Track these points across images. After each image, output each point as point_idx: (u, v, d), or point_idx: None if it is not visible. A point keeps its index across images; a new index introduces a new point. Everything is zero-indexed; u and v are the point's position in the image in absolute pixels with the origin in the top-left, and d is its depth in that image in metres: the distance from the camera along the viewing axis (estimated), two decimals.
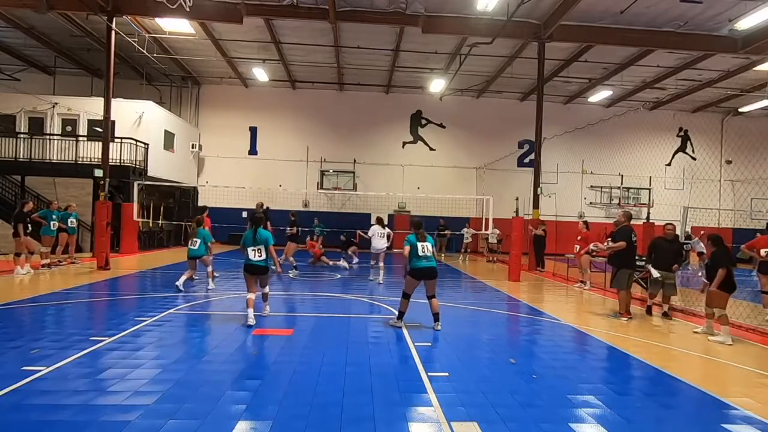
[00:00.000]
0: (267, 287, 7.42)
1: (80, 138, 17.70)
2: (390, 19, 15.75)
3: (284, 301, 9.18)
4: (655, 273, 8.58)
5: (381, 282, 11.83)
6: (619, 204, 24.35)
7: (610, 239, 8.96)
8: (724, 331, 6.88)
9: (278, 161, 24.21)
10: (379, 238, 11.80)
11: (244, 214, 22.17)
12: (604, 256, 10.34)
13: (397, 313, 7.14)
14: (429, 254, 6.81)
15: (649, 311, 8.87)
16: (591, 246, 11.37)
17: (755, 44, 15.62)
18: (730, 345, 6.68)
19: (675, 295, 8.74)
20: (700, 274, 7.92)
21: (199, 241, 9.40)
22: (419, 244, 6.77)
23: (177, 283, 9.32)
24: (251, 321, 6.78)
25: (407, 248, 6.80)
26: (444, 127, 24.87)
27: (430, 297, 6.95)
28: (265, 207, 13.08)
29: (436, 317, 6.94)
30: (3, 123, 18.48)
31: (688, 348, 6.56)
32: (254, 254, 6.94)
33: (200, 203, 23.50)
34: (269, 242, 7.05)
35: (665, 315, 8.54)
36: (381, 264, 12.03)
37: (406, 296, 6.97)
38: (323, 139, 24.42)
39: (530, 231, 15.92)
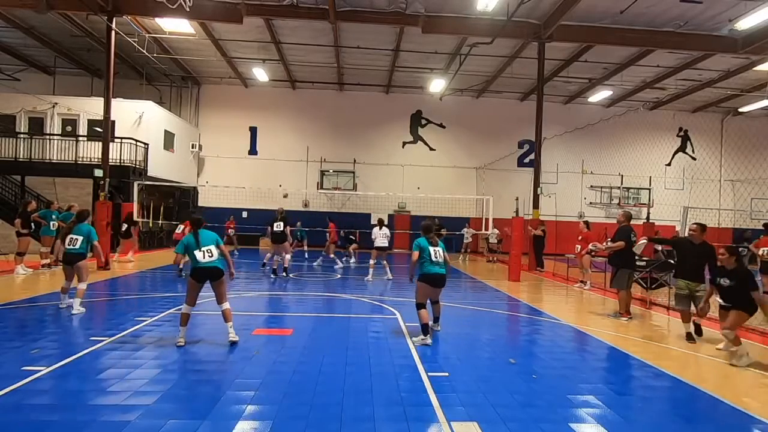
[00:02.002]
0: (226, 302, 5.97)
1: (80, 138, 17.72)
2: (390, 19, 15.75)
3: (284, 301, 9.18)
4: (639, 249, 7.93)
5: (390, 278, 12.61)
6: (619, 204, 24.35)
7: (610, 239, 8.94)
8: (741, 350, 5.77)
9: (278, 161, 24.21)
10: (381, 237, 12.83)
11: (245, 214, 22.21)
12: (603, 256, 10.28)
13: (420, 327, 6.24)
14: (441, 260, 6.34)
15: (699, 331, 7.03)
16: (590, 246, 11.38)
17: (755, 44, 15.63)
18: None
19: (708, 311, 6.83)
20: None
21: (80, 239, 7.32)
22: (431, 249, 6.30)
23: (74, 309, 7.19)
24: (181, 341, 5.68)
25: (416, 253, 6.30)
26: (444, 127, 24.87)
27: (434, 302, 6.66)
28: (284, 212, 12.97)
29: (435, 319, 6.74)
30: (3, 123, 18.49)
31: (688, 348, 6.56)
32: (203, 255, 5.74)
33: (200, 203, 23.54)
34: (219, 241, 6.01)
35: (698, 330, 6.96)
36: (384, 262, 12.83)
37: (421, 307, 6.28)
38: (323, 139, 24.43)
39: (529, 231, 15.91)
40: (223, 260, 5.95)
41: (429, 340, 6.14)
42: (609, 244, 8.71)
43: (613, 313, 8.64)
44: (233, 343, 5.81)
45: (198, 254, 5.75)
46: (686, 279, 7.00)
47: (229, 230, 19.73)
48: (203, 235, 5.88)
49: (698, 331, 7.03)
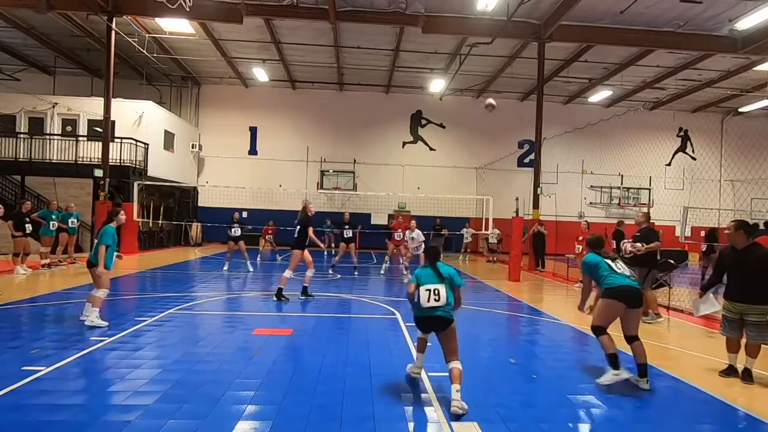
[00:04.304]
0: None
1: (80, 138, 17.71)
2: (390, 19, 15.75)
3: (284, 301, 9.16)
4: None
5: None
6: (619, 204, 24.37)
7: (629, 240, 8.65)
8: None
9: (278, 161, 24.21)
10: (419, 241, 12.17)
11: (245, 214, 22.20)
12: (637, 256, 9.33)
13: (607, 361, 4.72)
14: (628, 273, 4.90)
15: (732, 371, 5.24)
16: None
17: (755, 44, 15.62)
18: None
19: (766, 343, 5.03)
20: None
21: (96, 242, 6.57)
22: (609, 263, 4.92)
23: (87, 321, 6.40)
24: (415, 372, 4.83)
25: (588, 277, 5.10)
26: (444, 127, 24.87)
27: (631, 338, 4.80)
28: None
29: (642, 370, 4.70)
30: (3, 123, 18.49)
31: (688, 348, 6.55)
32: (428, 297, 4.36)
33: (200, 203, 23.55)
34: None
35: (746, 374, 5.07)
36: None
37: (601, 331, 4.79)
38: (323, 139, 24.43)
39: (535, 228, 15.87)
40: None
41: (621, 373, 4.69)
42: (628, 245, 8.45)
43: (648, 316, 8.19)
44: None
45: (423, 294, 4.33)
46: (732, 299, 5.10)
47: (267, 235, 19.64)
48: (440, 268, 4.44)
49: (746, 374, 5.07)
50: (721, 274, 5.36)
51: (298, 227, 8.94)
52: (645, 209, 21.46)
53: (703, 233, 14.71)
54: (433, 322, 4.33)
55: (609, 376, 4.64)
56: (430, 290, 4.28)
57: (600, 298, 4.92)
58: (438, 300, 4.26)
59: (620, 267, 4.91)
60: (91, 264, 6.49)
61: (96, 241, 6.55)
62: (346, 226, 13.50)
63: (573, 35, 16.25)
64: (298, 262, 8.96)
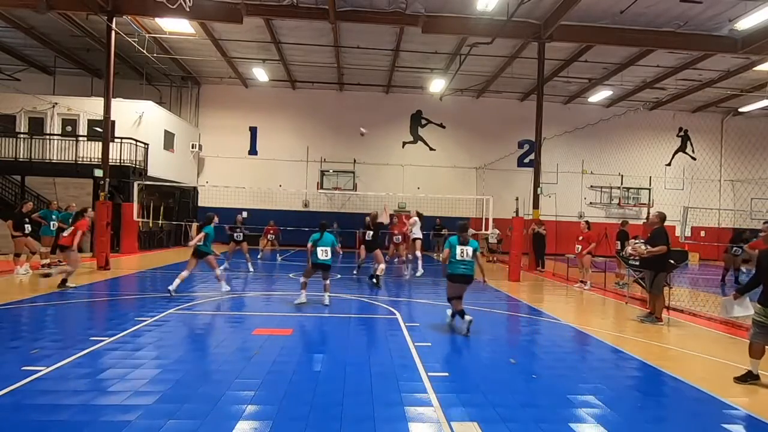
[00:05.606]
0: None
1: (80, 138, 17.71)
2: (390, 19, 15.74)
3: (284, 301, 9.17)
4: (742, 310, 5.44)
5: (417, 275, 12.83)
6: (619, 204, 24.37)
7: (641, 241, 8.54)
8: None
9: (278, 161, 24.21)
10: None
11: (245, 214, 22.19)
12: (639, 258, 8.84)
13: (451, 313, 7.20)
14: (468, 259, 6.75)
15: (750, 376, 5.08)
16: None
17: (755, 44, 15.61)
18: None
19: None
20: None
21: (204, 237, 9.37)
22: (458, 248, 6.74)
23: (224, 289, 9.52)
24: (302, 300, 8.54)
25: (447, 251, 6.83)
26: (444, 127, 24.87)
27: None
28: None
29: (460, 314, 6.81)
30: (3, 123, 18.48)
31: (688, 348, 6.56)
32: (321, 253, 8.49)
33: (200, 203, 23.56)
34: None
35: (752, 376, 5.03)
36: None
37: (449, 300, 7.08)
38: (323, 139, 24.42)
39: (533, 229, 15.85)
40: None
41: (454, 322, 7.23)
42: (636, 245, 8.39)
43: (648, 317, 8.16)
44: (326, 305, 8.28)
45: (320, 251, 8.29)
46: (766, 305, 4.89)
47: (269, 235, 19.76)
48: (325, 237, 8.38)
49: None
50: (760, 279, 5.17)
51: (371, 231, 11.72)
52: (645, 209, 21.44)
53: (703, 233, 14.69)
54: (322, 266, 8.37)
55: (448, 317, 7.29)
56: (323, 250, 8.26)
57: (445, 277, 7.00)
58: (327, 256, 8.32)
59: (464, 254, 6.71)
60: (203, 253, 9.07)
61: (204, 236, 9.01)
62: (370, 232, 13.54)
63: (573, 35, 16.23)
64: (383, 257, 11.65)
